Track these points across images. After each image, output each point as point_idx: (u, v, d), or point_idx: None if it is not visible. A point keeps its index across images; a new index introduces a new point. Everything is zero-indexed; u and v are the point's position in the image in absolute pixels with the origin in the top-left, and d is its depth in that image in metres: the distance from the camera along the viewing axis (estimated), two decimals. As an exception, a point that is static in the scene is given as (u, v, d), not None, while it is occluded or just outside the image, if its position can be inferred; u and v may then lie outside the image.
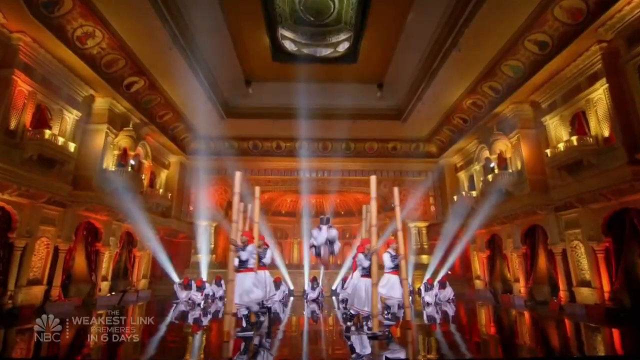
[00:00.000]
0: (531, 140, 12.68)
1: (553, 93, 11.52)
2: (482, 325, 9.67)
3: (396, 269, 7.59)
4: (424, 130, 17.34)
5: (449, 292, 13.37)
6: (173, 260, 17.40)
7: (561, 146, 10.62)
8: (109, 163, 12.78)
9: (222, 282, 13.89)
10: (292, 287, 16.08)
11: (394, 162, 18.90)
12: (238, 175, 7.56)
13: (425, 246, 18.56)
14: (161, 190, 16.40)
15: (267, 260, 7.96)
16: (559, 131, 11.35)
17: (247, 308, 6.80)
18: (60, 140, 10.51)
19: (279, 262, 18.15)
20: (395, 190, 8.78)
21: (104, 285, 13.46)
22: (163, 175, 17.59)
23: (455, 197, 17.42)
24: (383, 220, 23.07)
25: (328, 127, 16.79)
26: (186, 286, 13.45)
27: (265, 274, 7.79)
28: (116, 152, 13.08)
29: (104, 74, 11.44)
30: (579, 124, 10.67)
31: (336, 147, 18.50)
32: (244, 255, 6.83)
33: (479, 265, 16.90)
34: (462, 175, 17.85)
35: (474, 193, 16.31)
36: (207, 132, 17.55)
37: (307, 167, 18.84)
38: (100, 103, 12.60)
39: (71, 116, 11.42)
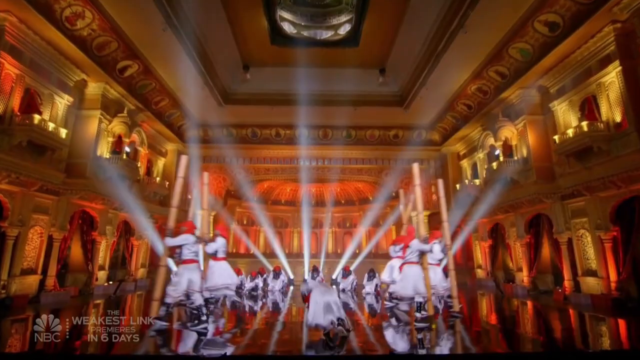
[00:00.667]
0: (538, 127, 12.31)
1: (562, 77, 11.10)
2: (508, 317, 9.25)
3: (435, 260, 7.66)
4: (427, 118, 16.91)
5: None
6: (172, 249, 17.19)
7: (570, 132, 10.26)
8: (103, 150, 12.42)
9: None
10: (292, 276, 15.92)
11: (396, 151, 18.52)
12: (183, 159, 7.33)
13: (427, 235, 18.30)
14: (158, 179, 16.09)
15: (210, 250, 7.35)
16: (567, 117, 10.97)
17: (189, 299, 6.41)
18: (51, 125, 10.13)
19: (279, 251, 18.01)
20: (415, 167, 7.95)
21: (101, 275, 13.29)
22: (160, 163, 17.25)
23: (458, 186, 17.13)
24: (383, 209, 22.96)
25: (328, 114, 16.38)
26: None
27: (215, 264, 7.31)
28: (110, 139, 12.71)
29: (95, 57, 10.99)
30: (589, 109, 10.29)
31: (336, 134, 18.12)
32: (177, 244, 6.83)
33: (480, 254, 16.73)
34: (465, 164, 17.51)
35: (477, 181, 16.01)
36: (205, 120, 17.15)
37: (306, 155, 18.52)
38: (93, 88, 12.17)
39: (62, 101, 11.02)
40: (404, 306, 8.06)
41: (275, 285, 14.02)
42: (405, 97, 15.25)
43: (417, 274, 6.64)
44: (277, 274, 14.40)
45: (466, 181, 16.37)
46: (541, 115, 12.36)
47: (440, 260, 7.52)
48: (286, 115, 16.39)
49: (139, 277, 15.58)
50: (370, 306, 10.31)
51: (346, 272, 14.22)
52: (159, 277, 6.68)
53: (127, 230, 15.46)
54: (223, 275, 7.13)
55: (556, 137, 10.83)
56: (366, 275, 12.93)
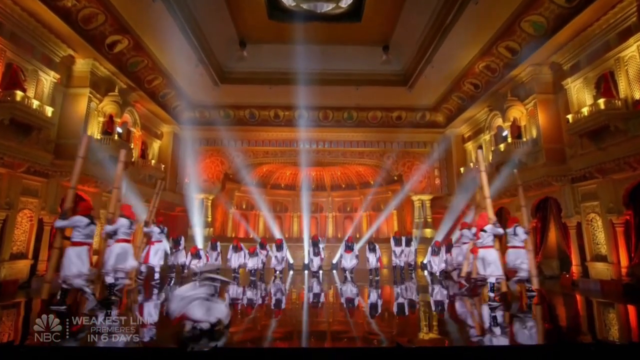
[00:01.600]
0: (549, 106, 11.74)
1: (577, 52, 10.47)
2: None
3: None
4: (431, 98, 16.30)
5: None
6: (170, 233, 16.90)
7: (585, 111, 9.71)
8: (94, 131, 11.89)
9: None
10: (291, 261, 15.62)
11: (399, 133, 17.97)
12: (84, 138, 6.94)
13: (429, 219, 17.99)
14: (153, 161, 15.60)
15: (107, 231, 7.00)
16: (581, 95, 10.39)
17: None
18: (35, 103, 9.57)
19: (279, 235, 17.68)
20: (480, 153, 8.62)
21: (94, 259, 12.96)
22: (155, 145, 16.73)
23: (462, 169, 16.66)
24: (385, 193, 22.57)
25: (329, 94, 15.76)
26: (194, 256, 12.91)
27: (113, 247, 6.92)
28: (101, 119, 12.16)
29: (81, 31, 10.34)
30: (605, 86, 9.71)
31: (337, 116, 17.52)
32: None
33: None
34: (470, 146, 16.99)
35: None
36: (201, 100, 16.55)
37: (306, 137, 17.98)
38: (81, 65, 11.55)
39: (48, 78, 10.42)
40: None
41: (233, 262, 12.23)
42: (409, 76, 14.59)
43: (495, 256, 6.94)
44: (235, 247, 12.44)
45: (471, 164, 15.88)
46: (552, 94, 11.78)
47: (524, 242, 7.77)
48: (285, 95, 15.76)
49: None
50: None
51: (372, 245, 12.94)
52: (52, 260, 6.24)
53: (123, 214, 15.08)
54: (75, 264, 5.91)
55: (569, 117, 10.28)
56: (367, 247, 12.61)
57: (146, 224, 9.96)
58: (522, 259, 7.38)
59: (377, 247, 12.63)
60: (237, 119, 17.51)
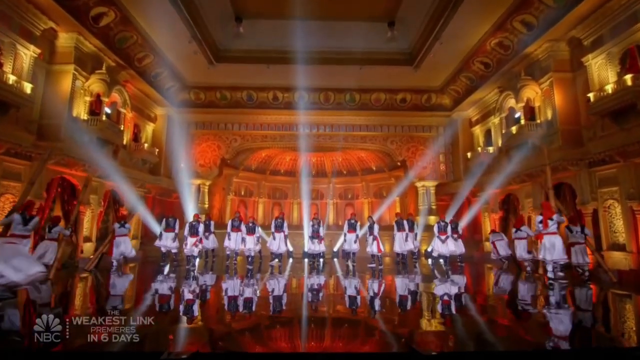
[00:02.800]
0: (566, 85, 10.98)
1: (600, 26, 9.64)
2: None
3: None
4: (438, 79, 15.48)
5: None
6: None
7: (609, 88, 8.96)
8: (80, 111, 11.18)
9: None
10: (291, 249, 15.08)
11: (403, 117, 17.22)
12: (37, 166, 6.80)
13: (434, 206, 17.40)
14: (146, 145, 14.92)
15: None
16: (603, 72, 9.62)
17: None
18: (11, 79, 8.84)
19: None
20: (545, 149, 9.49)
21: (88, 247, 12.45)
22: (149, 128, 16.02)
23: (469, 154, 15.98)
24: (387, 179, 21.93)
25: (330, 74, 14.95)
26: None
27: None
28: (88, 99, 11.42)
29: (62, 2, 9.52)
30: (631, 61, 8.94)
31: (339, 98, 16.73)
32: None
33: (490, 226, 15.80)
34: (478, 130, 16.25)
35: (491, 149, 14.84)
36: (196, 81, 15.76)
37: (306, 121, 17.24)
38: (64, 39, 10.76)
39: (28, 52, 9.65)
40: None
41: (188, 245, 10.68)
42: (416, 55, 13.76)
43: (560, 242, 8.15)
44: (193, 227, 10.91)
45: (479, 149, 15.19)
46: (570, 72, 11.00)
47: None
48: (284, 76, 14.96)
49: (130, 249, 14.76)
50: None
51: (411, 223, 12.03)
52: None
53: (115, 200, 14.51)
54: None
55: (591, 95, 9.53)
56: (366, 228, 11.58)
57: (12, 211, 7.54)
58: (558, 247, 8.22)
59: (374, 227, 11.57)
60: (234, 101, 16.74)
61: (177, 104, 16.59)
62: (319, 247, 11.92)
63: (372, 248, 11.22)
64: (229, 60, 14.16)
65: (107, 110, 12.15)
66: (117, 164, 12.79)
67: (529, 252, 10.34)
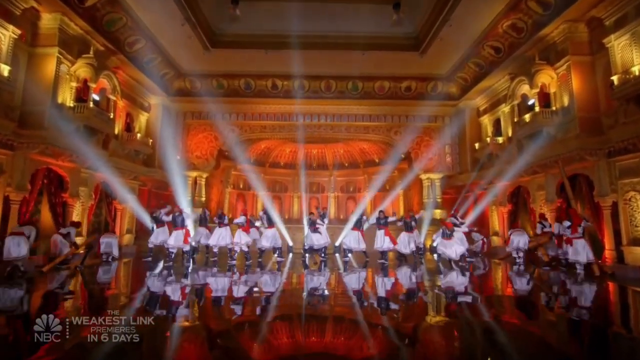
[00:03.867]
0: (585, 70, 10.25)
1: (624, 3, 8.88)
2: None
3: None
4: (445, 66, 14.73)
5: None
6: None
7: (636, 70, 8.25)
8: (66, 97, 10.50)
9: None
10: (291, 244, 14.51)
11: (407, 106, 16.50)
12: None
13: (439, 200, 16.77)
14: (139, 135, 14.25)
15: None
16: (627, 54, 8.88)
17: None
18: (-13, 59, 8.18)
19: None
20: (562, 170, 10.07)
21: (78, 241, 11.85)
22: (142, 118, 15.34)
23: (477, 145, 15.29)
24: (391, 172, 21.24)
25: (332, 60, 14.23)
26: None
27: None
28: (74, 84, 10.72)
29: (43, -23, 8.83)
30: (660, 40, 8.22)
31: (341, 86, 16.00)
32: None
33: (498, 220, 15.17)
34: (486, 120, 15.54)
35: (500, 139, 14.15)
36: (191, 68, 15.04)
37: (307, 110, 16.56)
38: (48, 20, 10.03)
39: (7, 33, 8.93)
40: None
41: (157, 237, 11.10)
42: (423, 40, 13.02)
43: (586, 245, 9.10)
44: (175, 219, 10.75)
45: (488, 139, 14.50)
46: (589, 56, 10.27)
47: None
48: (283, 62, 14.25)
49: (124, 244, 14.20)
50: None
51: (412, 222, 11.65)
52: None
53: (108, 193, 13.90)
54: None
55: (614, 78, 8.80)
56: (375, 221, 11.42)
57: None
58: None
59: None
60: (232, 89, 16.02)
61: (172, 92, 15.92)
62: (319, 241, 11.37)
63: (384, 243, 10.75)
64: (225, 45, 13.44)
65: (96, 97, 11.48)
66: (107, 155, 12.18)
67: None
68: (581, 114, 10.03)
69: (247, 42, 13.39)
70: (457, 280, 8.44)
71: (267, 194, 19.38)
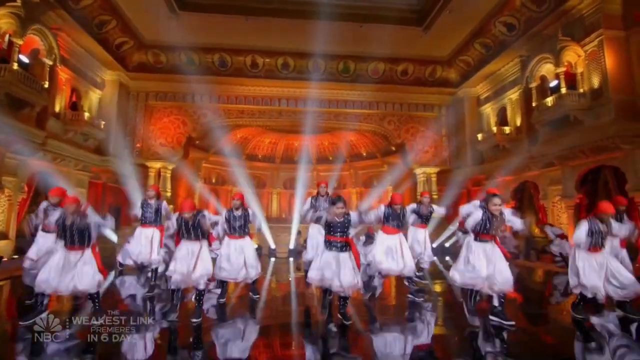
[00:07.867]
0: (619, 46, 8.97)
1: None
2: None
3: None
4: (447, 47, 13.22)
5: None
6: (122, 213, 13.34)
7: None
8: (-22, 55, 7.96)
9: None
10: (273, 246, 12.50)
11: (402, 92, 14.93)
12: None
13: (435, 196, 15.30)
14: (87, 115, 11.69)
15: None
16: (675, 25, 7.66)
17: None
18: None
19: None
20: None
21: (2, 245, 9.29)
22: (93, 96, 12.74)
23: (479, 136, 13.95)
24: (379, 166, 19.72)
25: (322, 34, 12.16)
26: None
27: None
28: (-9, 39, 8.19)
29: None
30: None
31: (331, 67, 14.13)
32: None
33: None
34: (489, 109, 14.23)
35: (507, 129, 12.85)
36: (155, 37, 12.63)
37: (291, 95, 14.60)
38: (-49, -51, 7.48)
39: None
40: None
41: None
42: (428, 12, 11.42)
43: None
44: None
45: (494, 129, 13.16)
46: (624, 31, 9.01)
47: None
48: (265, 35, 12.24)
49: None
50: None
51: None
52: None
53: (48, 185, 11.26)
54: None
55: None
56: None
57: None
58: None
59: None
60: (204, 66, 13.71)
61: (132, 67, 13.40)
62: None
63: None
64: (197, 8, 11.18)
65: (24, 59, 8.91)
66: (44, 136, 9.64)
67: None
68: (617, 96, 8.73)
69: (223, 5, 11.19)
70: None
71: (246, 189, 17.17)
